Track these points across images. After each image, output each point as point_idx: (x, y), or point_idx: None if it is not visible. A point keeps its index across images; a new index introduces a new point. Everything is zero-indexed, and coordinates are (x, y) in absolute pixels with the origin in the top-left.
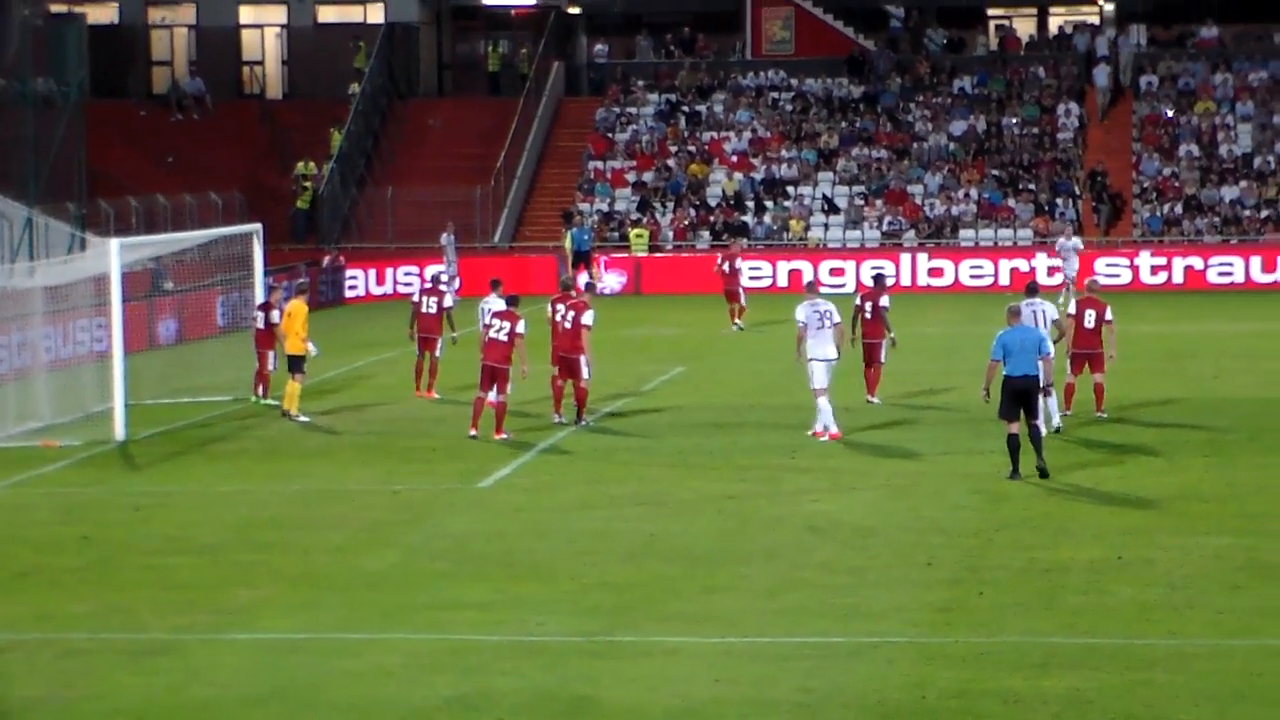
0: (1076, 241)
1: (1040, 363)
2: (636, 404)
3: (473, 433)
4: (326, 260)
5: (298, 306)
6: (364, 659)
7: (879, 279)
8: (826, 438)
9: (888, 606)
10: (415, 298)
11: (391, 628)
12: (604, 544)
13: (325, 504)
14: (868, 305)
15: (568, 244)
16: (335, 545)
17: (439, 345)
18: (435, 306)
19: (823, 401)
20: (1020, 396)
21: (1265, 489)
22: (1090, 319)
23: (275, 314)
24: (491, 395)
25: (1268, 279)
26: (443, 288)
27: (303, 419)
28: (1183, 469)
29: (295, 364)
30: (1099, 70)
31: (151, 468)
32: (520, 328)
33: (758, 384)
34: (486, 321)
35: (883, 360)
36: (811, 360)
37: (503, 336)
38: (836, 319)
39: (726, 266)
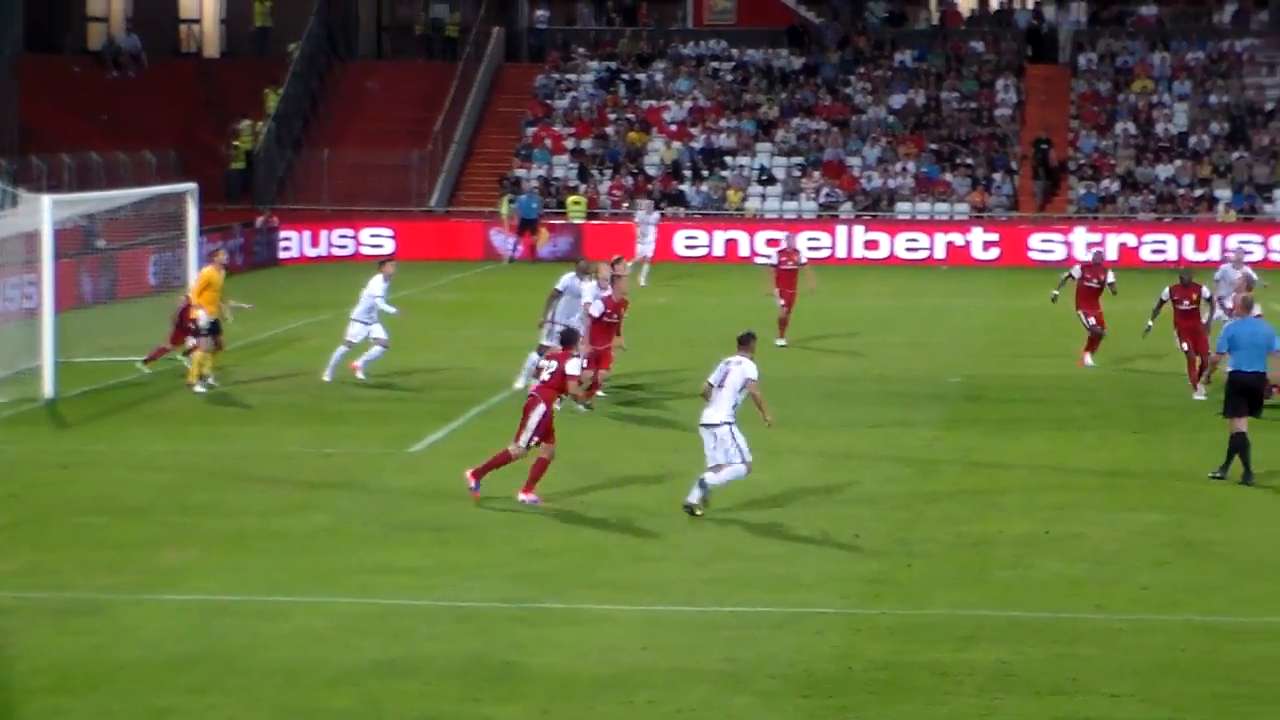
0: (1246, 270)
1: (1271, 359)
2: None
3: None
4: (260, 221)
5: (208, 274)
6: (292, 622)
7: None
8: None
9: (816, 577)
10: None
11: (320, 591)
12: (535, 510)
13: (256, 466)
14: None
15: (504, 210)
16: (265, 508)
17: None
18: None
19: None
20: (1247, 392)
21: (1194, 466)
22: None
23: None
24: None
25: (1200, 257)
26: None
27: (198, 389)
28: (1114, 445)
29: (198, 330)
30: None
31: (80, 426)
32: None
33: (690, 353)
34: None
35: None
36: None
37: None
38: None
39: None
